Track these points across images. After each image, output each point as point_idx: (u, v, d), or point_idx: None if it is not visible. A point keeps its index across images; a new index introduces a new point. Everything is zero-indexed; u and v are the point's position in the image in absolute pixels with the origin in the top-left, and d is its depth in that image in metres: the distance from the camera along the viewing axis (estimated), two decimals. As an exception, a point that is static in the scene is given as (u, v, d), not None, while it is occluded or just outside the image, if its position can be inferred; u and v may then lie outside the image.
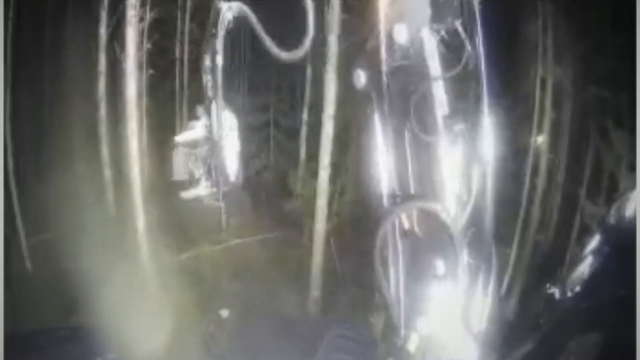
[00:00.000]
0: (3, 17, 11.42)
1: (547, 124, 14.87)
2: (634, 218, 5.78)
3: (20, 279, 12.56)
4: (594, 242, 6.06)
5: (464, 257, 2.90)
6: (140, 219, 12.25)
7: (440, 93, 2.89)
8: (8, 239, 11.63)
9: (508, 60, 15.07)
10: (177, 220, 15.69)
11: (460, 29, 2.85)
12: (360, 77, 3.00)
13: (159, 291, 12.36)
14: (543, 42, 14.39)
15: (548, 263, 13.64)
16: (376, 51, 2.89)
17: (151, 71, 11.76)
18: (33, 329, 10.61)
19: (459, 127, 2.88)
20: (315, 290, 14.75)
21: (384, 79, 2.89)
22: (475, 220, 2.92)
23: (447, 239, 2.86)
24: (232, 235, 17.61)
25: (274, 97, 20.69)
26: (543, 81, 14.68)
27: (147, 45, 11.51)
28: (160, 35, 12.03)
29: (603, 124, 13.51)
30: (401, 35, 2.84)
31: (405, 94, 2.88)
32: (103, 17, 11.40)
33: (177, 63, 16.05)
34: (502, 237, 15.70)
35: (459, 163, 2.92)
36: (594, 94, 13.47)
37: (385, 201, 3.02)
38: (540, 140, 15.00)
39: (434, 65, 2.87)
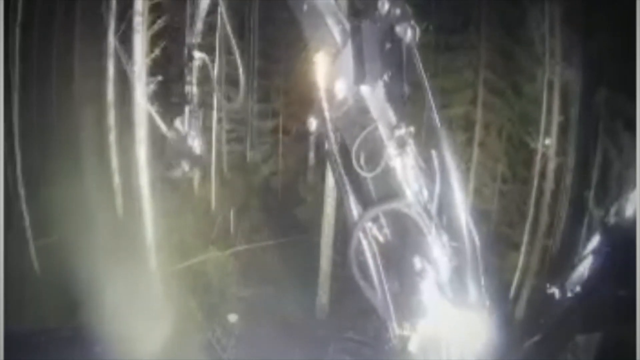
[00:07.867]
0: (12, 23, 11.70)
1: (555, 127, 14.80)
2: (634, 218, 5.76)
3: (28, 281, 12.72)
4: (594, 242, 6.05)
5: (444, 245, 2.89)
6: (149, 224, 12.35)
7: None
8: (16, 241, 11.79)
9: (513, 62, 15.05)
10: (185, 225, 15.81)
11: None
12: (312, 124, 3.27)
13: (166, 295, 12.42)
14: (550, 44, 14.32)
15: (556, 267, 13.52)
16: (320, 103, 3.18)
17: (160, 77, 11.84)
18: (33, 328, 10.67)
19: (408, 132, 2.99)
20: (322, 295, 14.74)
21: (330, 126, 3.16)
22: (445, 206, 2.92)
23: (418, 233, 2.88)
24: (240, 240, 17.69)
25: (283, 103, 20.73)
26: (550, 83, 14.59)
27: (155, 52, 11.63)
28: (169, 42, 12.12)
29: (612, 126, 13.35)
30: (340, 91, 3.11)
31: (352, 137, 3.13)
32: (111, 23, 11.55)
33: (186, 70, 16.17)
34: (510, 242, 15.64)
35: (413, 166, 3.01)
36: (603, 96, 13.31)
37: (354, 213, 3.10)
38: (548, 142, 14.90)
39: (377, 114, 3.06)
